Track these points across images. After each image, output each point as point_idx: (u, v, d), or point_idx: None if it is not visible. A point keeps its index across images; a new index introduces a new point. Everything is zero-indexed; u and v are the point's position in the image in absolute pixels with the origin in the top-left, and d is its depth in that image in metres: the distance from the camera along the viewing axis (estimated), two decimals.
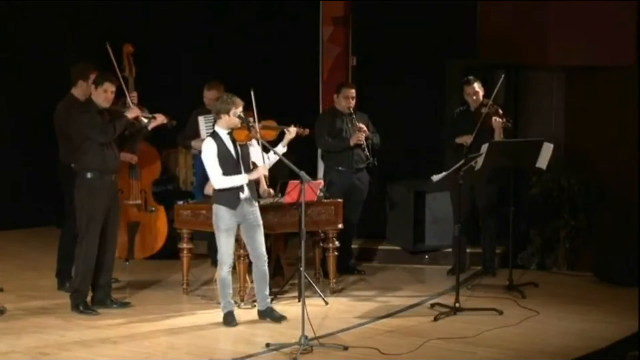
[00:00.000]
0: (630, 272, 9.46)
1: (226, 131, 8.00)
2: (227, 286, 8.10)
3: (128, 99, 8.98)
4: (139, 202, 10.12)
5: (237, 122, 7.99)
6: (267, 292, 8.23)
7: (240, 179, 7.98)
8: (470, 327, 7.98)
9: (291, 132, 8.49)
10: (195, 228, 9.04)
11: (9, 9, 12.19)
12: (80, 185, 8.35)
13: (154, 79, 11.11)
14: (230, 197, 8.00)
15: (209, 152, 7.97)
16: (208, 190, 9.24)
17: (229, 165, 7.97)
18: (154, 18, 12.37)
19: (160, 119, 8.74)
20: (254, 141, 8.19)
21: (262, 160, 8.23)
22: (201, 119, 9.95)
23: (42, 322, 8.14)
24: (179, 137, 10.19)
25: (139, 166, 9.99)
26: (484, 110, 9.44)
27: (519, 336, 7.80)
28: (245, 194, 8.04)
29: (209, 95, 9.99)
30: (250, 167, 8.14)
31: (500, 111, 9.49)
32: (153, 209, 10.21)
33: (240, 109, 7.99)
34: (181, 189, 11.79)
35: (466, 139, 9.45)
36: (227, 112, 7.96)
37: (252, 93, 8.13)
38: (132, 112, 8.52)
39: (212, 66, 12.01)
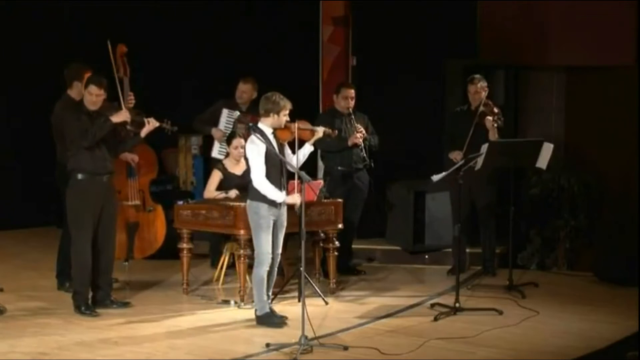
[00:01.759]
0: (630, 272, 9.46)
1: (271, 130, 7.97)
2: (264, 286, 8.03)
3: (122, 101, 8.91)
4: (137, 202, 10.12)
5: (283, 122, 7.98)
6: (270, 292, 8.23)
7: (278, 196, 7.90)
8: (470, 327, 7.97)
9: (319, 132, 8.45)
10: (195, 228, 9.03)
11: (8, 9, 12.18)
12: (72, 187, 8.33)
13: (152, 80, 11.11)
14: None
15: (258, 150, 7.86)
16: (208, 196, 9.24)
17: (274, 165, 7.91)
18: (151, 19, 12.35)
19: (152, 124, 8.59)
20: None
21: (296, 158, 8.15)
22: (225, 112, 9.99)
23: (42, 322, 8.14)
24: (196, 120, 10.20)
25: (137, 166, 9.98)
26: (480, 108, 9.45)
27: (519, 336, 7.79)
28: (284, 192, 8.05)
29: (243, 88, 10.03)
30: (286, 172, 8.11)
31: (496, 110, 9.48)
32: (151, 208, 10.21)
33: (288, 111, 7.99)
34: (181, 189, 11.78)
35: (456, 156, 9.40)
36: (278, 112, 7.93)
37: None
38: (119, 117, 8.36)
39: (211, 66, 12.00)
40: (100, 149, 8.32)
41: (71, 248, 8.42)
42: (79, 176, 8.28)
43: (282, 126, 8.01)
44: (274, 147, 7.90)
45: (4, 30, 12.23)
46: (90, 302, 8.47)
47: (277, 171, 7.95)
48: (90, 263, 8.39)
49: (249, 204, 8.02)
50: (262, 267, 7.99)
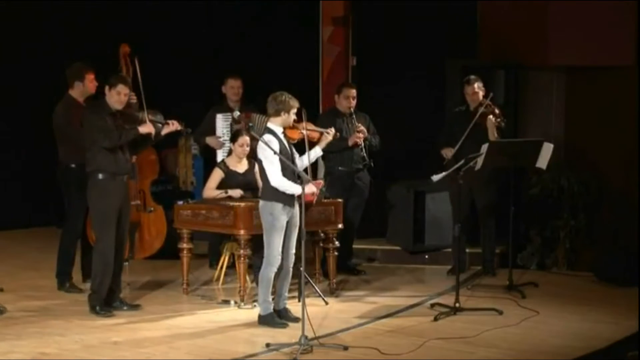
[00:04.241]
0: (630, 272, 9.46)
1: (281, 129, 7.95)
2: (269, 287, 8.00)
3: (145, 110, 8.90)
4: (138, 202, 10.13)
5: (291, 121, 7.99)
6: (286, 292, 8.20)
7: (295, 189, 7.85)
8: (470, 327, 7.98)
9: (328, 136, 8.45)
10: (195, 228, 9.03)
11: (8, 9, 12.19)
12: (93, 187, 8.29)
13: (153, 80, 11.12)
14: (289, 194, 7.94)
15: (272, 157, 7.82)
16: (207, 194, 9.22)
17: (286, 167, 7.87)
18: (152, 19, 12.36)
19: (174, 126, 8.62)
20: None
21: (307, 157, 8.15)
22: (219, 117, 9.99)
23: (42, 322, 8.13)
24: (195, 133, 10.24)
25: (138, 167, 9.98)
26: (480, 109, 9.46)
27: (519, 336, 7.79)
28: None
29: (236, 83, 10.05)
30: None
31: (497, 111, 9.49)
32: (152, 209, 10.22)
33: (295, 110, 7.98)
34: (181, 189, 11.79)
35: (446, 152, 9.38)
36: (288, 111, 7.92)
37: (303, 113, 8.13)
38: (145, 128, 8.40)
39: (211, 66, 12.00)
40: (123, 150, 8.33)
41: (95, 247, 8.37)
42: (100, 176, 8.24)
43: (291, 125, 8.01)
44: (285, 148, 7.90)
45: (4, 29, 12.23)
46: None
47: (290, 170, 7.92)
48: (113, 263, 8.35)
49: (263, 204, 7.96)
50: (271, 268, 7.96)
